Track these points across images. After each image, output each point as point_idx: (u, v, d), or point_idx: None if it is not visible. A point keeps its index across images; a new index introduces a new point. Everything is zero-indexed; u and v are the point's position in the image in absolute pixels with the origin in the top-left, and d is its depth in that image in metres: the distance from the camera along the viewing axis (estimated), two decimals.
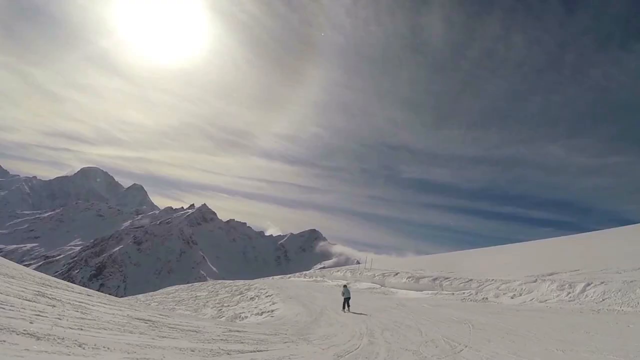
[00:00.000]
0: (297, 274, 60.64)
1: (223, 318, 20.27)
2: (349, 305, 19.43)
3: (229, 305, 24.67)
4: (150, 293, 40.64)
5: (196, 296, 32.08)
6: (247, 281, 42.11)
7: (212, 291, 33.73)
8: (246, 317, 19.54)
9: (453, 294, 24.61)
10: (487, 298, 21.94)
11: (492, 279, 23.95)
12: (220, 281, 47.65)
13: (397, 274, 32.54)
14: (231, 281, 44.66)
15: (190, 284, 47.16)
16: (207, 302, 27.77)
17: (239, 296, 28.58)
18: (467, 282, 25.03)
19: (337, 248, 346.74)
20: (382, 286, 33.23)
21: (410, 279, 29.56)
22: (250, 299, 26.37)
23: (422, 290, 27.45)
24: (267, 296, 25.99)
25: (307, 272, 60.88)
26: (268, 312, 19.86)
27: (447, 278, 26.83)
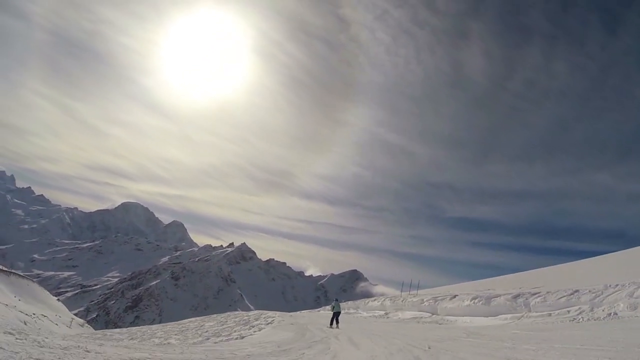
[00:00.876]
0: (328, 307, 53.48)
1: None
2: (337, 322, 19.10)
3: (220, 335, 19.78)
4: (164, 323, 37.31)
5: (202, 326, 27.96)
6: (260, 311, 35.64)
7: (221, 321, 29.96)
8: (205, 343, 14.52)
9: (550, 314, 15.72)
10: (615, 313, 13.22)
11: (616, 284, 14.89)
12: (235, 312, 41.60)
13: (455, 297, 23.41)
14: (245, 312, 38.76)
15: (206, 316, 42.24)
16: (207, 331, 24.38)
17: (243, 325, 23.92)
18: (572, 294, 15.87)
19: (379, 288, 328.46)
20: (433, 314, 24.33)
21: (476, 301, 20.47)
22: (251, 327, 21.70)
23: (495, 315, 18.53)
24: (267, 324, 22.02)
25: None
26: (237, 337, 15.49)
27: (536, 294, 17.63)
